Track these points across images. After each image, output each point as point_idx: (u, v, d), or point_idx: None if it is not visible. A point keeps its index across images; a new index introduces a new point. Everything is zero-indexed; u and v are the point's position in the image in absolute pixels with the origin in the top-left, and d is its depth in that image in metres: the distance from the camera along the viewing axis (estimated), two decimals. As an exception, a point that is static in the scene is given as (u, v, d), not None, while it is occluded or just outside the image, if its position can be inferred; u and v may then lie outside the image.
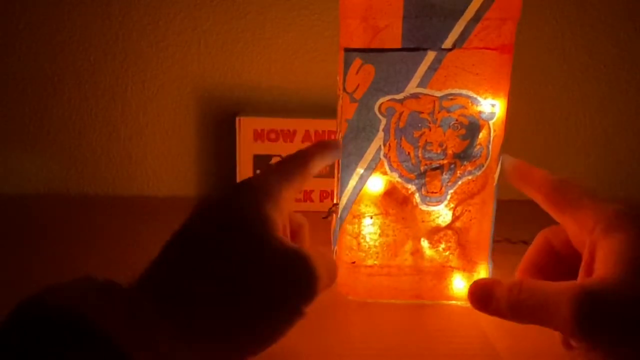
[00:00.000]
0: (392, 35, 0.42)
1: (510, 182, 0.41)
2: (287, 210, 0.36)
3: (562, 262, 0.39)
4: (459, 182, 0.44)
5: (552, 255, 0.39)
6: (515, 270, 0.41)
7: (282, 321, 0.31)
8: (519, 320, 0.33)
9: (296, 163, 0.39)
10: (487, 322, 0.45)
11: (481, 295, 0.35)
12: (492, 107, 0.43)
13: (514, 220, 0.56)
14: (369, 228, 0.46)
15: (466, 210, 0.45)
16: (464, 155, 0.44)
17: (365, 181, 0.45)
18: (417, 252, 0.46)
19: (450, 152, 0.44)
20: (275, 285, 0.30)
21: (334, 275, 0.36)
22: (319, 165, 0.41)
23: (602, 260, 0.31)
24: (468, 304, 0.47)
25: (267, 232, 0.32)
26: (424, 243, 0.46)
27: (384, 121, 0.43)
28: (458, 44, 0.42)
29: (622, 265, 0.30)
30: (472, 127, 0.43)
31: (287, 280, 0.31)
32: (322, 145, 0.43)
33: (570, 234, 0.37)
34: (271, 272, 0.30)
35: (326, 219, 0.48)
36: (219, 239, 0.31)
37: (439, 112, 0.43)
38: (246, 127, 0.70)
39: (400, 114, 0.43)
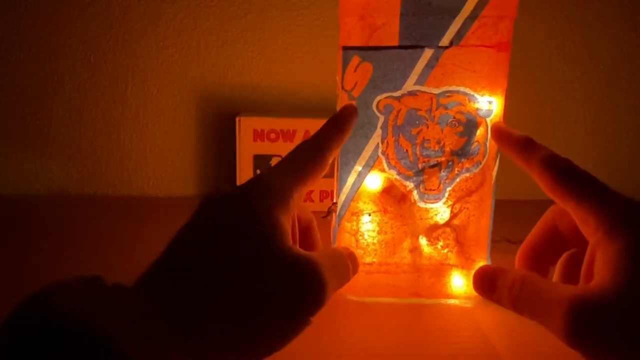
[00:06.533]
0: (390, 33, 0.42)
1: (509, 157, 0.39)
2: (296, 209, 0.35)
3: (565, 245, 0.38)
4: (457, 180, 0.44)
5: (556, 239, 0.38)
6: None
7: (290, 331, 0.30)
8: (519, 313, 0.33)
9: (312, 157, 0.37)
10: (487, 322, 0.45)
11: (485, 283, 0.35)
12: (489, 104, 0.43)
13: (513, 220, 0.56)
14: (367, 225, 0.46)
15: (464, 208, 0.45)
16: (461, 153, 0.44)
17: (364, 179, 0.45)
18: (416, 249, 0.46)
19: (448, 149, 0.44)
20: (284, 296, 0.29)
21: (345, 279, 0.36)
22: (338, 148, 0.39)
23: (601, 266, 0.30)
24: (467, 303, 0.47)
25: (278, 240, 0.30)
26: (422, 240, 0.46)
27: (381, 118, 0.43)
28: (455, 41, 0.42)
29: (621, 277, 0.29)
30: (470, 124, 0.43)
31: (297, 292, 0.30)
32: (338, 127, 0.40)
33: (577, 223, 0.35)
34: (281, 283, 0.29)
35: (326, 218, 0.48)
36: (228, 245, 0.30)
37: (436, 109, 0.43)
38: (246, 127, 0.70)
39: (398, 112, 0.43)
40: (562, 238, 0.38)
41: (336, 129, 0.40)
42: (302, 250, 0.31)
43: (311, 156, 0.37)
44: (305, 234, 0.39)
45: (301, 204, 0.37)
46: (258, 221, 0.31)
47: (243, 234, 0.30)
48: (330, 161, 0.38)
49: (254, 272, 0.29)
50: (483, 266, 0.37)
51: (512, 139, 0.39)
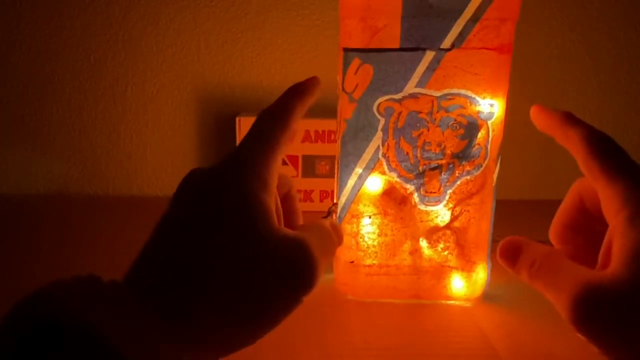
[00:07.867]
0: (391, 35, 0.42)
1: (548, 133, 0.38)
2: (275, 182, 0.34)
3: (594, 220, 0.36)
4: (458, 182, 0.44)
5: (584, 214, 0.37)
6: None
7: (281, 312, 0.30)
8: (533, 287, 0.33)
9: (278, 125, 0.35)
10: (487, 322, 0.45)
11: (509, 253, 0.35)
12: (490, 107, 0.43)
13: (514, 220, 0.56)
14: (368, 227, 0.46)
15: (465, 210, 0.45)
16: (462, 155, 0.44)
17: (364, 181, 0.45)
18: (416, 251, 0.46)
19: (448, 152, 0.44)
20: (277, 280, 0.29)
21: (331, 253, 0.36)
22: (301, 115, 0.37)
23: (618, 252, 0.30)
24: (467, 304, 0.47)
25: (264, 223, 0.30)
26: (423, 243, 0.46)
27: (382, 121, 0.43)
28: (457, 44, 0.42)
29: (635, 267, 0.28)
30: (471, 127, 0.43)
31: (290, 274, 0.30)
32: (299, 93, 0.38)
33: (601, 203, 0.33)
34: (272, 267, 0.29)
35: (326, 218, 0.48)
36: (212, 233, 0.29)
37: (437, 112, 0.43)
38: (246, 127, 0.69)
39: (399, 114, 0.43)
40: (591, 214, 0.37)
41: (296, 93, 0.38)
42: (290, 231, 0.31)
43: (279, 125, 0.35)
44: (287, 201, 0.38)
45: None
46: (241, 205, 0.30)
47: (227, 220, 0.30)
48: (294, 127, 0.36)
49: (242, 258, 0.29)
50: (512, 237, 0.36)
51: (554, 113, 0.38)
